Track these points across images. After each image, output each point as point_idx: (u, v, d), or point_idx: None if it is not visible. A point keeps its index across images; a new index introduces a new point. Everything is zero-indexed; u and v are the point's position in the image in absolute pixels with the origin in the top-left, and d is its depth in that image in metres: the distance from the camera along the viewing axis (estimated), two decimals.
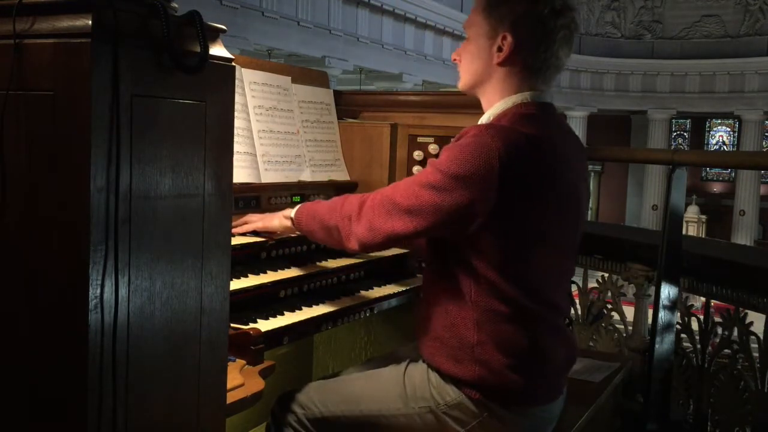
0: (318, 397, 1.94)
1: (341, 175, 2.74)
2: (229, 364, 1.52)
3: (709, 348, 3.01)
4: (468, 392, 1.76)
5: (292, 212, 2.06)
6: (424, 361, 1.88)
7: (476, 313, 1.72)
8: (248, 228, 2.14)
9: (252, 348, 1.70)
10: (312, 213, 1.97)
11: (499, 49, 1.78)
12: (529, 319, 1.75)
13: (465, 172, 1.63)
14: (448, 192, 1.65)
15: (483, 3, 1.81)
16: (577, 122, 23.15)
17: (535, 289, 1.76)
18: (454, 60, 1.92)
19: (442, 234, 1.75)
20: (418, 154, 2.72)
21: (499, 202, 1.64)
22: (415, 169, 2.72)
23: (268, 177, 2.40)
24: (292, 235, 2.19)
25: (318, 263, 2.25)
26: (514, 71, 1.79)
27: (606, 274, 3.52)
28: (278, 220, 2.11)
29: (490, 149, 1.62)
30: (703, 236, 18.00)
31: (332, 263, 2.28)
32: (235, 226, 2.12)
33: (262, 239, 2.14)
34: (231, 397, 1.48)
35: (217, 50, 1.32)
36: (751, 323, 2.87)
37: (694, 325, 3.08)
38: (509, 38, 1.76)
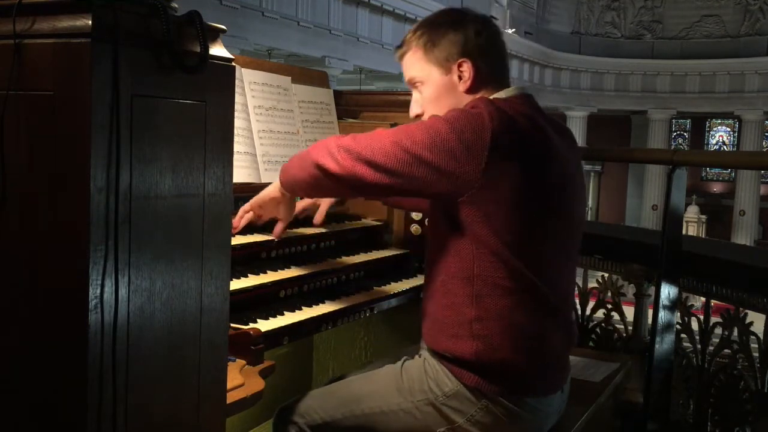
0: (317, 403, 1.93)
1: None
2: (229, 364, 1.52)
3: (710, 348, 3.01)
4: (465, 377, 1.78)
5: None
6: (423, 350, 1.90)
7: (477, 287, 1.74)
8: (245, 213, 2.05)
9: (252, 348, 1.70)
10: (291, 160, 1.94)
11: (460, 77, 1.84)
12: (530, 295, 1.76)
13: (462, 128, 1.67)
14: (460, 130, 1.67)
15: (419, 51, 1.88)
16: (577, 122, 23.15)
17: (539, 264, 1.77)
18: (418, 115, 1.93)
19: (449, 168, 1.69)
20: None
21: (497, 159, 1.65)
22: None
23: (268, 177, 2.39)
24: (292, 236, 2.19)
25: (318, 263, 2.25)
26: (484, 86, 1.85)
27: (606, 274, 3.52)
28: (267, 188, 2.04)
29: (480, 115, 1.68)
30: (703, 236, 17.99)
31: (332, 263, 2.28)
32: (234, 225, 2.09)
33: (263, 239, 2.14)
34: (231, 397, 1.49)
35: (217, 50, 1.32)
36: (751, 323, 2.87)
37: (694, 325, 3.08)
38: (466, 63, 1.83)
